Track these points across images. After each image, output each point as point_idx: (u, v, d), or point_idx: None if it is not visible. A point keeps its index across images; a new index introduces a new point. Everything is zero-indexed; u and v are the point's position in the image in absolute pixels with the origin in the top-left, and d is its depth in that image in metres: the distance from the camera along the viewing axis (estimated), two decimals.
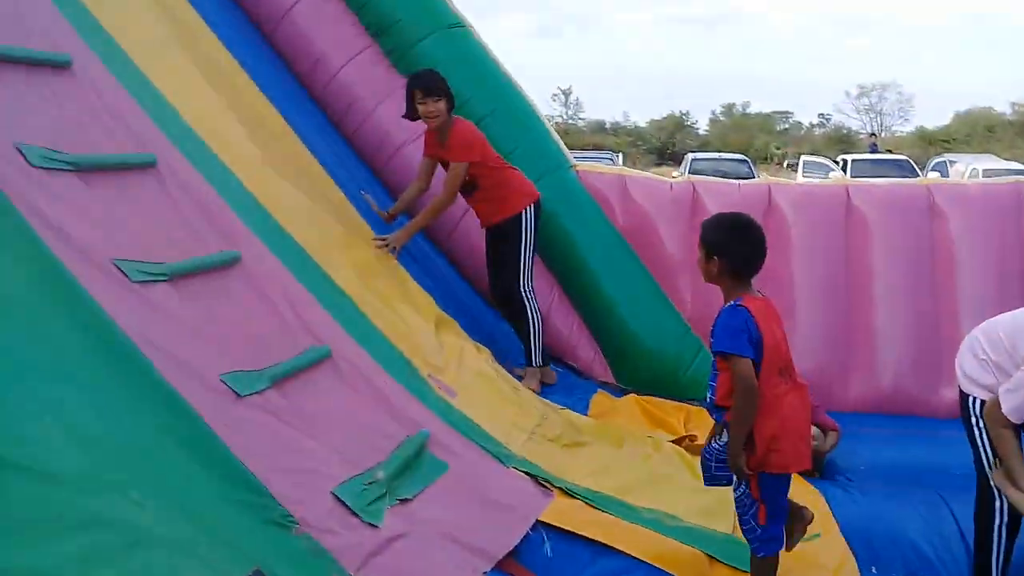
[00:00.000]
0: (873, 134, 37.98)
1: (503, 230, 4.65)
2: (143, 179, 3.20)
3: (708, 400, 2.87)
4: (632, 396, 4.79)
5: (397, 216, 4.76)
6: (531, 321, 4.69)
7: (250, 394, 2.69)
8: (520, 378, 4.56)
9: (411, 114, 4.47)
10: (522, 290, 4.68)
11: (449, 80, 4.99)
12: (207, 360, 2.69)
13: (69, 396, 2.17)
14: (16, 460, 1.88)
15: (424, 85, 4.38)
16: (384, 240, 4.42)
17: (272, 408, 2.72)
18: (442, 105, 4.40)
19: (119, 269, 2.69)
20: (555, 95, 49.06)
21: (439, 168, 4.66)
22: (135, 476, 2.10)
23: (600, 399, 4.72)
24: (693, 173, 17.82)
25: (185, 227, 3.17)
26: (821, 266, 5.08)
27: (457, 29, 5.33)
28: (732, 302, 2.77)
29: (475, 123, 4.68)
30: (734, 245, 2.79)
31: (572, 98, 49.64)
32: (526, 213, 4.63)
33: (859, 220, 5.13)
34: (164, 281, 2.78)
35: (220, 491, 2.32)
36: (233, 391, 2.65)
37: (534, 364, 4.69)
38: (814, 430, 4.01)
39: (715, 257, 2.79)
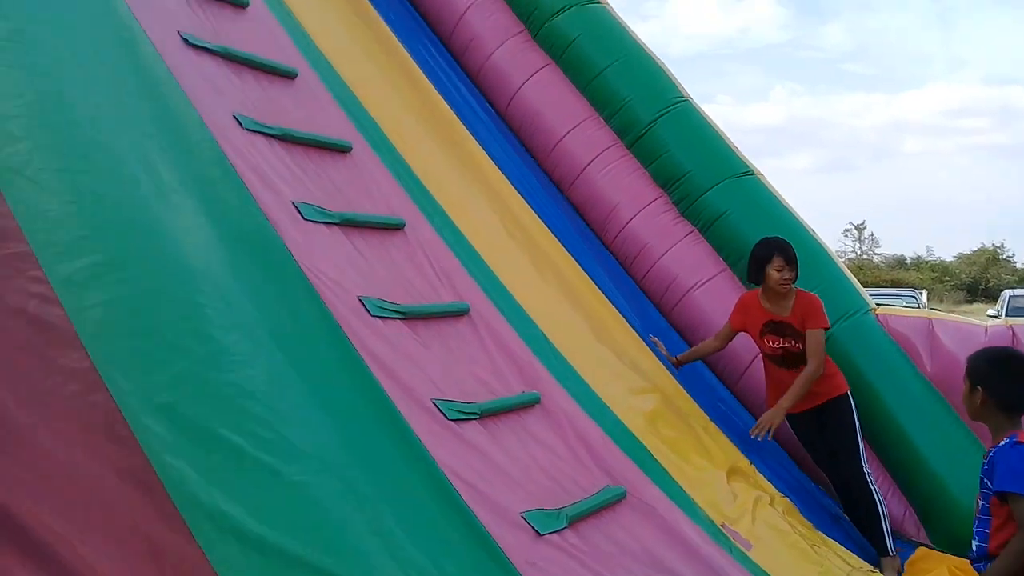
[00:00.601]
0: None
1: (831, 410, 4.43)
2: (458, 325, 3.56)
3: (975, 550, 2.56)
4: (948, 559, 4.33)
5: (685, 364, 4.80)
6: (879, 506, 4.36)
7: (549, 533, 2.80)
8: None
9: (758, 278, 4.48)
10: (865, 473, 4.40)
11: (738, 225, 5.06)
12: (510, 497, 2.85)
13: (393, 521, 2.40)
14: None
15: (788, 254, 4.41)
16: (760, 426, 4.32)
17: (569, 548, 2.80)
18: (795, 274, 4.43)
19: (437, 408, 2.98)
20: (847, 230, 47.19)
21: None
22: None
23: (915, 562, 4.32)
24: (1012, 312, 16.07)
25: (493, 370, 3.45)
26: None
27: (746, 177, 5.43)
28: (1008, 439, 2.53)
29: None
30: (1002, 378, 2.60)
31: (866, 232, 47.42)
32: (851, 392, 4.47)
33: None
34: (475, 419, 3.04)
35: None
36: (534, 529, 2.78)
37: (890, 552, 4.33)
38: None
39: (979, 388, 2.60)
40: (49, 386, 2.02)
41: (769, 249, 4.44)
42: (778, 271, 4.37)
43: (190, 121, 3.15)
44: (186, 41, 3.47)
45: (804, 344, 4.38)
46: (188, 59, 3.41)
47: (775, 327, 4.44)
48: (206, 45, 3.55)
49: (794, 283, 4.44)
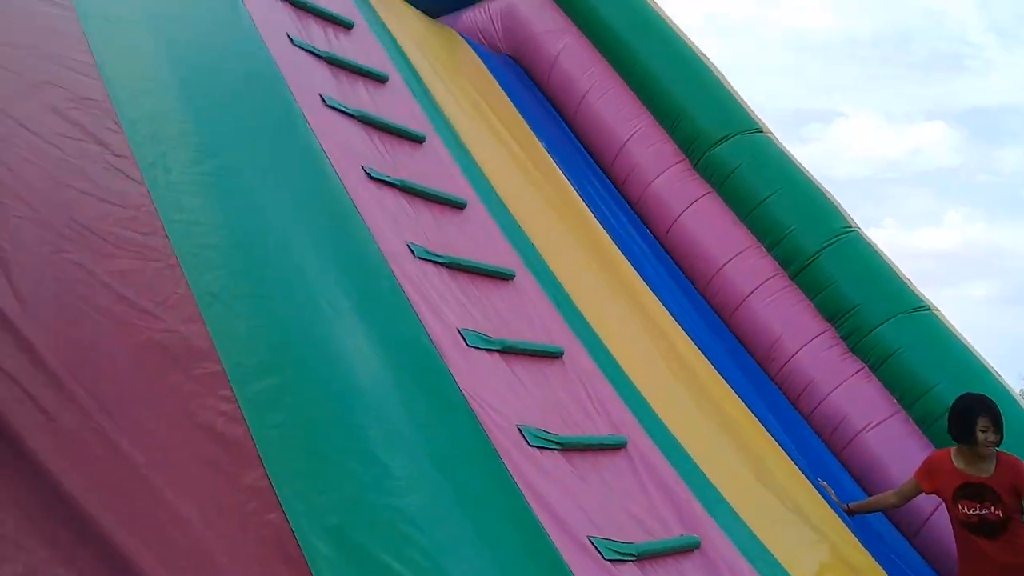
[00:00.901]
0: None
1: None
2: (615, 459, 3.48)
3: None
4: None
5: (858, 513, 4.46)
6: None
7: None
8: None
9: (963, 437, 4.14)
10: None
11: (913, 364, 4.77)
12: None
13: None
14: None
15: (995, 414, 4.09)
16: None
17: None
18: (1001, 437, 4.09)
19: (594, 546, 2.89)
20: None
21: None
22: None
23: None
24: None
25: (649, 508, 3.34)
26: None
27: (921, 312, 5.15)
28: None
29: (944, 414, 4.34)
30: None
31: None
32: None
33: None
34: (632, 561, 2.92)
35: None
36: None
37: None
38: None
39: None
40: (231, 503, 2.12)
41: (975, 409, 4.12)
42: (983, 432, 4.04)
43: (368, 249, 3.35)
44: (368, 174, 3.73)
45: (1005, 511, 3.99)
46: (370, 191, 3.65)
47: (972, 491, 4.04)
48: (386, 178, 3.80)
49: (998, 445, 4.08)
